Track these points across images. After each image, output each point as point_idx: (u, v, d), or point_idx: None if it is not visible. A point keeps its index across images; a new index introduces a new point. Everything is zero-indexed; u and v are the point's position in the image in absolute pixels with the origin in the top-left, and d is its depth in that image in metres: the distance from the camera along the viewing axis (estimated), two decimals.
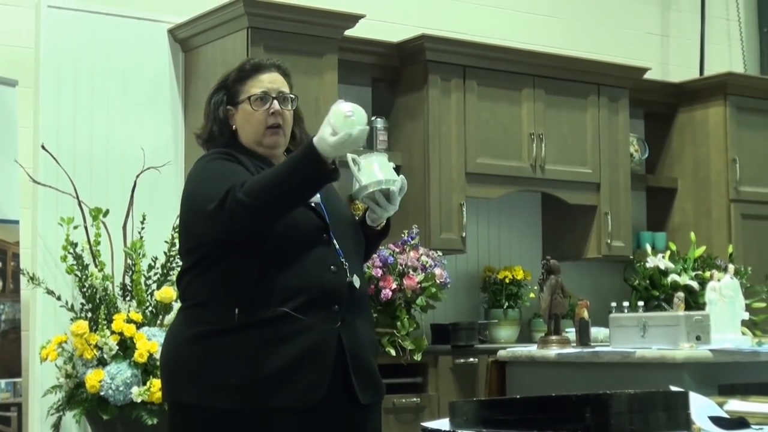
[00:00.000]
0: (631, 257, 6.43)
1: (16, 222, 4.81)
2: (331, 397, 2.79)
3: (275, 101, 2.95)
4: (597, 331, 4.98)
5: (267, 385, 2.73)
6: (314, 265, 2.80)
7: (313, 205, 2.87)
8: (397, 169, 5.70)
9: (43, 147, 5.02)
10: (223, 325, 2.76)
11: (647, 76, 6.61)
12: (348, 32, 5.50)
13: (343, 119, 2.69)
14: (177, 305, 3.57)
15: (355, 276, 2.87)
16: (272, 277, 2.77)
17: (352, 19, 5.46)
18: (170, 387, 2.88)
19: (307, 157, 2.71)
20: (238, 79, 3.00)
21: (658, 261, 6.19)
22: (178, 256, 4.68)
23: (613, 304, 4.66)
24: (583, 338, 4.51)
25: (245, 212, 2.72)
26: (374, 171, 2.86)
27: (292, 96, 3.00)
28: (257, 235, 2.77)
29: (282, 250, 2.78)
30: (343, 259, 2.85)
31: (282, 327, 2.74)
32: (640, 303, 5.04)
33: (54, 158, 5.00)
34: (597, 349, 4.38)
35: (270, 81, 2.97)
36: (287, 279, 2.77)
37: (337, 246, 2.86)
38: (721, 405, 2.37)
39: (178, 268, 3.02)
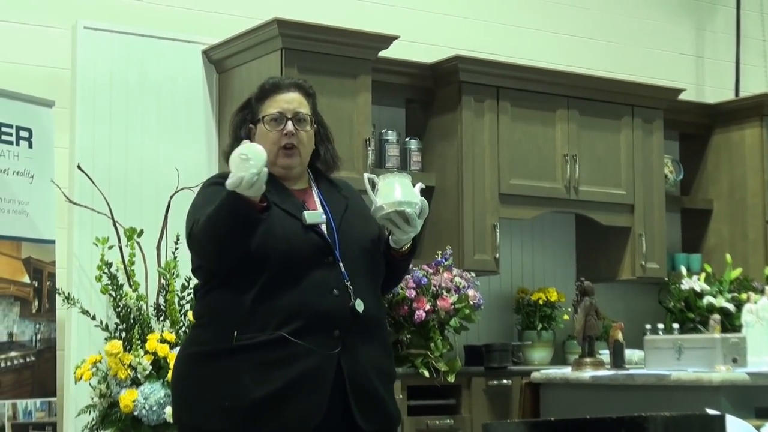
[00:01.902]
0: (666, 279, 6.38)
1: (52, 242, 4.84)
2: (329, 423, 2.75)
3: (290, 122, 2.92)
4: (631, 354, 4.98)
5: (260, 410, 2.71)
6: (314, 288, 2.77)
7: (316, 226, 2.84)
8: (431, 191, 5.73)
9: (78, 167, 5.05)
10: (221, 346, 2.76)
11: (682, 97, 6.58)
12: (382, 53, 5.50)
13: (238, 162, 2.64)
14: None
15: (359, 300, 2.81)
16: (271, 300, 2.75)
17: (386, 40, 5.46)
18: (175, 408, 2.92)
19: (228, 196, 2.67)
20: (258, 98, 3.00)
21: (693, 283, 6.15)
22: None
23: (648, 326, 4.64)
24: (618, 360, 4.49)
25: (198, 248, 2.77)
26: (394, 192, 2.83)
27: (308, 116, 2.96)
28: (230, 264, 2.76)
29: (281, 273, 2.76)
30: (347, 282, 2.80)
31: (278, 351, 2.72)
32: (675, 325, 5.00)
33: (89, 178, 5.03)
34: (632, 371, 4.37)
35: (287, 101, 2.95)
36: (285, 302, 2.75)
37: (343, 268, 2.82)
38: (758, 428, 2.35)
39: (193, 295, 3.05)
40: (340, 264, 2.82)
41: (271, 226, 2.78)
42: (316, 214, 2.84)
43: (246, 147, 2.68)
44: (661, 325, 4.68)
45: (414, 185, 2.89)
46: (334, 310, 2.78)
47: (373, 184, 2.86)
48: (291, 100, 2.96)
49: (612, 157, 6.23)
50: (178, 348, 4.60)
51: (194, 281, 4.78)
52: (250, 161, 2.63)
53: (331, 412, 2.75)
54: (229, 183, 2.65)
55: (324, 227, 2.85)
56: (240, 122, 3.00)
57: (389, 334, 5.01)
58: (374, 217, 2.87)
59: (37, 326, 4.71)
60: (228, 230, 2.70)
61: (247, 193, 2.66)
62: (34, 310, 4.71)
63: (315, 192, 2.97)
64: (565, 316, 6.05)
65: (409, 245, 2.95)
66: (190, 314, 4.77)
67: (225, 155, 3.02)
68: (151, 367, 4.65)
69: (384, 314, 3.02)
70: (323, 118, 3.08)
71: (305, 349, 2.72)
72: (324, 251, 2.82)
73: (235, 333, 2.74)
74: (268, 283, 2.75)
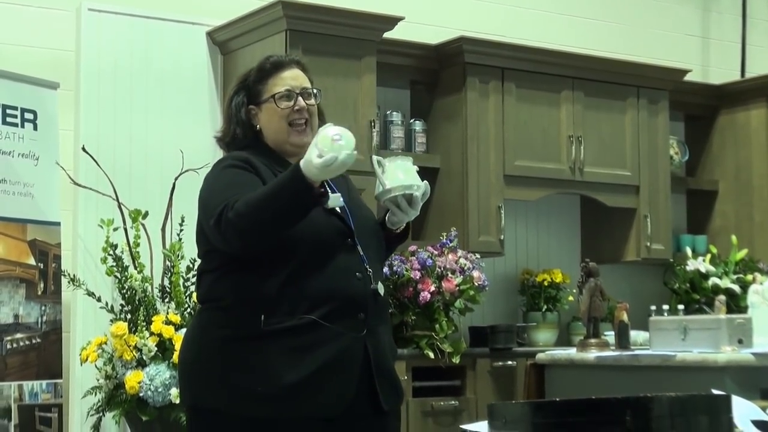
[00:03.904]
0: (671, 260, 6.38)
1: (57, 224, 4.84)
2: (355, 404, 2.77)
3: (300, 98, 2.93)
4: (636, 335, 4.97)
5: (293, 395, 2.70)
6: (340, 273, 2.78)
7: (338, 210, 2.84)
8: (435, 172, 5.73)
9: (83, 149, 5.05)
10: (249, 331, 2.73)
11: (687, 78, 6.56)
12: (386, 34, 5.49)
13: (330, 143, 2.64)
14: None
15: (379, 283, 2.85)
16: (298, 284, 2.74)
17: (391, 21, 5.45)
18: (192, 390, 2.84)
19: (293, 180, 2.66)
20: (259, 78, 2.97)
21: (698, 264, 6.14)
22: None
23: (653, 307, 4.64)
24: (623, 341, 4.48)
25: (234, 233, 2.69)
26: (399, 175, 2.84)
27: (315, 91, 2.98)
28: (259, 251, 2.73)
29: (307, 256, 2.75)
30: (367, 266, 2.83)
31: (308, 335, 2.72)
32: (680, 306, 5.00)
33: (94, 160, 5.04)
34: (637, 352, 4.36)
35: (292, 78, 2.95)
36: (314, 286, 2.74)
37: (361, 252, 2.83)
38: (764, 409, 2.34)
39: (196, 278, 2.97)
40: (359, 247, 2.83)
41: None
42: (336, 198, 2.81)
43: (338, 129, 2.68)
44: (666, 307, 4.69)
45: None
46: (360, 293, 2.79)
47: (381, 167, 2.85)
48: (296, 77, 2.96)
49: (617, 138, 6.22)
50: (183, 329, 4.65)
51: (198, 263, 4.87)
52: (342, 142, 2.65)
53: (358, 393, 2.77)
54: (320, 163, 2.62)
55: (338, 210, 2.84)
56: (239, 105, 2.97)
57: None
58: (378, 200, 2.88)
59: (43, 308, 4.72)
60: (287, 214, 2.69)
61: (332, 174, 2.68)
62: (39, 292, 4.71)
63: None
64: (570, 298, 6.06)
65: (403, 226, 2.98)
66: (195, 296, 4.74)
67: (219, 140, 3.04)
68: (156, 349, 4.67)
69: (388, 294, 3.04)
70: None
71: (335, 332, 2.73)
72: (345, 234, 2.83)
73: (262, 317, 2.72)
74: (296, 267, 2.74)
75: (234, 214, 2.67)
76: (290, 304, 2.73)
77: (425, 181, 2.89)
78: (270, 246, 2.73)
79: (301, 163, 2.67)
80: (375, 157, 2.87)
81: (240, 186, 2.77)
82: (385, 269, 5.02)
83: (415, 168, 2.91)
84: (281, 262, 2.74)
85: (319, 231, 2.77)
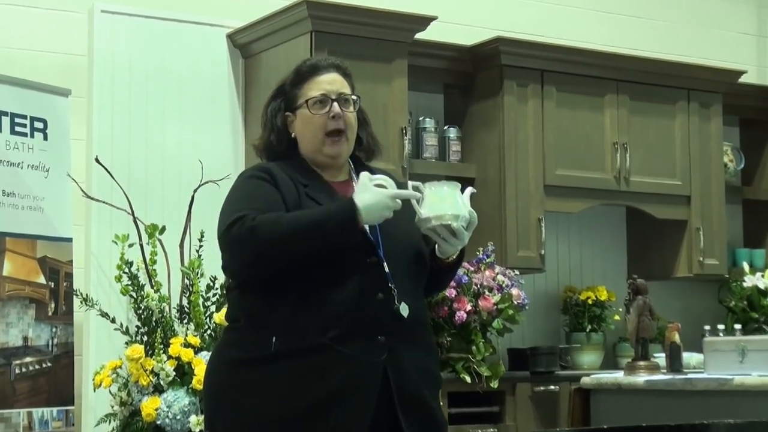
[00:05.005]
0: (726, 276, 6.37)
1: (69, 240, 4.87)
2: None
3: (335, 104, 2.91)
4: (689, 357, 4.96)
5: (301, 421, 2.72)
6: (358, 291, 2.77)
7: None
8: (471, 182, 5.71)
9: (96, 160, 5.08)
10: (260, 352, 2.76)
11: (742, 79, 6.55)
12: (418, 35, 5.51)
13: (389, 201, 2.73)
14: None
15: (403, 303, 2.81)
16: (312, 304, 2.75)
17: (423, 21, 5.47)
18: (207, 414, 2.91)
19: (344, 213, 2.72)
20: (295, 82, 2.98)
21: (756, 280, 6.13)
22: None
23: (707, 327, 4.65)
24: (674, 364, 4.51)
25: (243, 249, 2.71)
26: (439, 203, 2.80)
27: (353, 97, 2.97)
28: (249, 279, 2.76)
29: (322, 274, 2.76)
30: (391, 285, 2.80)
31: (320, 358, 2.73)
32: (737, 326, 5.01)
33: (108, 172, 5.05)
34: (690, 375, 4.37)
35: (329, 82, 2.94)
36: (328, 306, 2.75)
37: (387, 269, 2.81)
38: None
39: (225, 294, 3.04)
40: (384, 265, 2.81)
41: None
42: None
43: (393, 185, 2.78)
44: (721, 326, 4.69)
45: (464, 191, 2.87)
46: (379, 315, 2.77)
47: (420, 192, 2.83)
48: (333, 81, 2.95)
49: (666, 145, 6.22)
50: (203, 353, 4.67)
51: (221, 280, 4.89)
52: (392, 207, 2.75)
53: (377, 423, 2.75)
54: (375, 220, 2.73)
55: (367, 225, 2.81)
56: (275, 111, 2.98)
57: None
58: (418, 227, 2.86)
59: (54, 330, 4.75)
60: (325, 243, 2.72)
61: (372, 217, 2.75)
62: (50, 313, 4.74)
63: (356, 184, 2.92)
64: (617, 317, 6.05)
65: (456, 255, 2.94)
66: (215, 316, 4.80)
67: (256, 148, 3.04)
68: (174, 373, 4.67)
69: (427, 315, 3.01)
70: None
71: (349, 356, 2.72)
72: (367, 250, 2.81)
73: (274, 339, 2.74)
74: (308, 286, 2.75)
75: (248, 229, 2.70)
76: (303, 325, 2.74)
77: (471, 210, 2.85)
78: (269, 273, 2.75)
79: (358, 202, 2.72)
80: (411, 183, 2.84)
81: (255, 199, 2.79)
82: None
83: (471, 190, 2.87)
84: (295, 280, 2.76)
85: (335, 248, 2.77)
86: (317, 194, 2.87)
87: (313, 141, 2.93)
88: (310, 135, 2.93)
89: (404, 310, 2.81)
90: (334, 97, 2.92)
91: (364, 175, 2.80)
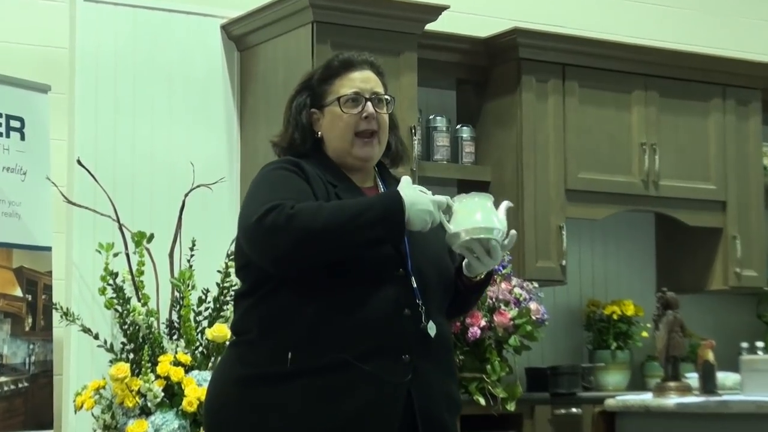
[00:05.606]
0: (766, 289, 6.38)
1: (48, 249, 4.87)
2: None
3: (368, 103, 2.93)
4: (724, 377, 5.02)
5: None
6: (384, 307, 2.77)
7: None
8: (485, 186, 5.70)
9: (78, 162, 5.08)
10: (274, 369, 2.76)
11: None
12: (429, 26, 5.51)
13: (433, 208, 2.74)
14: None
15: (431, 322, 2.82)
16: (333, 317, 2.75)
17: (434, 11, 5.47)
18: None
19: (391, 211, 2.71)
20: (324, 77, 2.99)
21: None
22: (233, 286, 4.71)
23: (744, 344, 4.69)
24: (708, 385, 4.51)
25: (282, 233, 2.68)
26: (471, 216, 2.79)
27: (387, 98, 2.99)
28: (286, 272, 2.75)
29: (347, 285, 2.76)
30: (419, 301, 2.81)
31: (340, 377, 2.73)
32: None
33: (91, 175, 5.06)
34: (725, 397, 4.40)
35: (362, 80, 2.96)
36: (350, 321, 2.75)
37: (415, 284, 2.82)
38: None
39: (233, 302, 3.04)
40: (412, 279, 2.82)
41: None
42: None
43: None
44: (760, 344, 4.73)
45: (498, 206, 2.86)
46: (405, 332, 2.78)
47: (448, 205, 2.82)
48: (367, 79, 2.97)
49: (699, 146, 6.23)
50: (194, 372, 4.74)
51: (214, 293, 4.86)
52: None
53: None
54: (417, 223, 2.73)
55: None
56: (300, 107, 2.99)
57: None
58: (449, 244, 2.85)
59: (31, 347, 4.74)
60: (366, 238, 2.72)
61: (419, 222, 2.75)
62: (27, 328, 4.73)
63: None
64: (644, 334, 6.06)
65: (482, 275, 2.95)
66: (208, 332, 4.82)
67: (276, 145, 3.05)
68: (163, 394, 4.66)
69: (452, 337, 3.05)
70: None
71: (372, 376, 2.72)
72: (395, 262, 2.81)
73: (290, 354, 2.73)
74: (330, 298, 2.75)
75: (286, 217, 2.68)
76: (322, 341, 2.74)
77: (507, 228, 2.83)
78: (308, 265, 2.73)
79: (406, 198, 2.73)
80: (437, 197, 2.81)
81: (288, 189, 2.79)
82: None
83: (507, 204, 2.86)
84: (317, 290, 2.75)
85: (362, 256, 2.76)
86: (347, 196, 2.86)
87: (341, 141, 2.94)
88: (339, 134, 2.94)
89: (432, 329, 2.82)
90: (367, 96, 2.95)
91: (406, 178, 2.83)
